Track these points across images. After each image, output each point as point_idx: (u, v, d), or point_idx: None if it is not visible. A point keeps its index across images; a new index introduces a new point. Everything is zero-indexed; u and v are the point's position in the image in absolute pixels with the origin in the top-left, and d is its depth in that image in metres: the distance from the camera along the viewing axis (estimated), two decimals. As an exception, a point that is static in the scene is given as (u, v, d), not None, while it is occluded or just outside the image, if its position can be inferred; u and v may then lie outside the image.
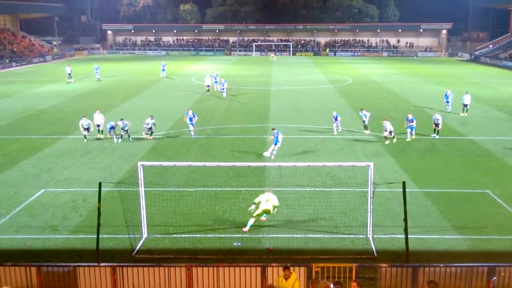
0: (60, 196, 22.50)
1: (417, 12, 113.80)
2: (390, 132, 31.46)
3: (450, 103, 41.79)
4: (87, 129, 32.02)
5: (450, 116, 39.05)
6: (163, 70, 67.61)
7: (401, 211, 17.05)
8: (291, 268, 13.15)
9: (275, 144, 28.09)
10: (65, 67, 65.94)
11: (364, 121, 34.54)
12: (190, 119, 32.72)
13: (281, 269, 13.29)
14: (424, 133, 33.42)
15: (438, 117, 32.95)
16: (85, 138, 32.01)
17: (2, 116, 40.30)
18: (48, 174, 25.48)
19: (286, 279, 12.66)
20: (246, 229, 18.47)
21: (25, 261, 15.72)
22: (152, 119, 32.54)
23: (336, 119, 34.11)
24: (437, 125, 32.79)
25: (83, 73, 71.16)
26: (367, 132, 34.21)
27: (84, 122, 31.98)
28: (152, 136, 32.34)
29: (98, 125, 32.88)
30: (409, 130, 32.18)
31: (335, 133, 33.75)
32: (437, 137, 32.63)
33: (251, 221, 18.51)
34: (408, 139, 31.88)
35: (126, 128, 32.03)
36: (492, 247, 17.35)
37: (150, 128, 32.43)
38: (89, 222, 18.85)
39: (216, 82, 53.92)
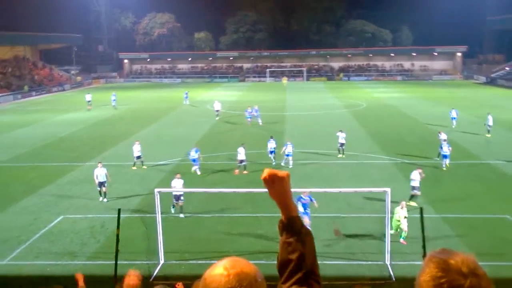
0: (78, 222, 22.74)
1: (431, 36, 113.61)
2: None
3: (456, 120, 45.06)
4: (103, 183, 26.19)
5: (467, 140, 38.91)
6: (186, 97, 68.15)
7: (419, 237, 16.99)
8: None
9: (287, 156, 31.86)
10: (84, 95, 66.99)
11: (341, 144, 34.08)
12: None
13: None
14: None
15: (444, 136, 32.98)
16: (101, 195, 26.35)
17: (22, 144, 40.91)
18: (67, 201, 25.78)
19: None
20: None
21: (45, 286, 15.86)
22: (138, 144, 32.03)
23: (288, 156, 32.05)
24: (444, 155, 30.82)
25: (100, 101, 72.08)
26: (340, 156, 34.04)
27: (98, 171, 26.43)
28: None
29: (138, 157, 32.04)
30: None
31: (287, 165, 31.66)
32: (446, 163, 31.04)
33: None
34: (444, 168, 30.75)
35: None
36: (512, 272, 17.18)
37: (139, 157, 32.00)
38: (107, 248, 18.99)
39: (253, 114, 49.34)
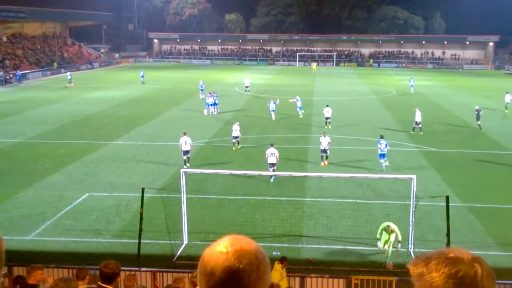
0: (104, 200, 22.97)
1: (463, 24, 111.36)
2: None
3: (413, 87, 60.53)
4: (187, 152, 27.76)
5: (495, 130, 38.15)
6: (214, 104, 46.01)
7: (443, 226, 16.78)
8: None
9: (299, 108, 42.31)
10: (67, 74, 69.79)
11: (326, 117, 38.29)
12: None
13: (319, 280, 13.23)
14: (468, 147, 32.80)
15: (419, 113, 36.94)
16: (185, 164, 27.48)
17: (50, 120, 41.41)
18: (93, 179, 26.04)
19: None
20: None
21: (69, 263, 16.07)
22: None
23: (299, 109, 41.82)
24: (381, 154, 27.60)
25: (128, 80, 72.55)
26: (326, 127, 37.12)
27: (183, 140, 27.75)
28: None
29: (236, 137, 31.96)
30: None
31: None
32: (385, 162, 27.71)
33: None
34: None
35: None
36: (539, 265, 16.86)
37: (237, 137, 32.09)
38: (131, 227, 19.15)
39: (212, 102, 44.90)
